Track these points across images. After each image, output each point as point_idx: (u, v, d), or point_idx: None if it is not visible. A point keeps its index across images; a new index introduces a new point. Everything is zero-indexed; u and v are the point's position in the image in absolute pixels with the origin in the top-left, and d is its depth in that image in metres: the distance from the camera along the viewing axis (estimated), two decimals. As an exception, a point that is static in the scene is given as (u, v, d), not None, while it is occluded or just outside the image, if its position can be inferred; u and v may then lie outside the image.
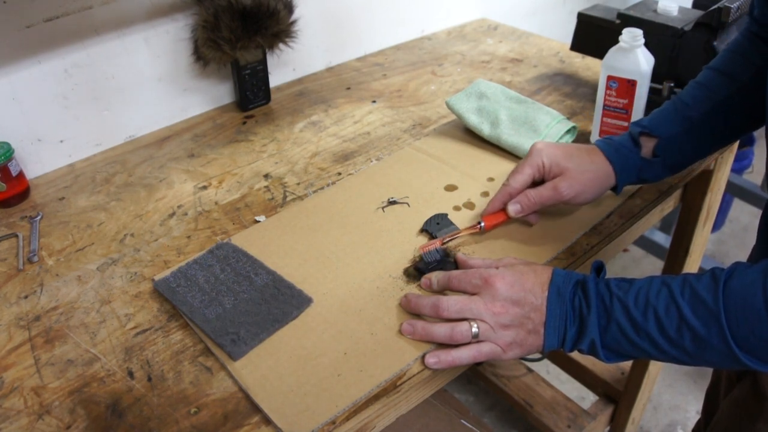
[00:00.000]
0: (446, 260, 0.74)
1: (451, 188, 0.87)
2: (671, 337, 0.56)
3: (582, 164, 0.74)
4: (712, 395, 0.90)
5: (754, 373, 0.73)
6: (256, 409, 0.60)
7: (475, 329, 0.61)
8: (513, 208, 0.75)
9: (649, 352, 0.58)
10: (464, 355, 0.62)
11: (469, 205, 0.84)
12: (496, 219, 0.78)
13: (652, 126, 0.76)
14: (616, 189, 0.78)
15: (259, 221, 0.83)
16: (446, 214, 0.81)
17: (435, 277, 0.69)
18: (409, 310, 0.67)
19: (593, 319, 0.59)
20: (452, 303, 0.63)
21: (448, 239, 0.76)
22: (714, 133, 0.77)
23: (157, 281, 0.73)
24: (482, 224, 0.77)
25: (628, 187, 0.82)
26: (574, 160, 0.74)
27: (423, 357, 0.63)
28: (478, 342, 0.62)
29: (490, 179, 0.89)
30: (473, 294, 0.64)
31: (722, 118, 0.75)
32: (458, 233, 0.77)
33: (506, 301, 0.62)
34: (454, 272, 0.67)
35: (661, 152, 0.76)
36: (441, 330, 0.63)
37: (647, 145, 0.76)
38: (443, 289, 0.68)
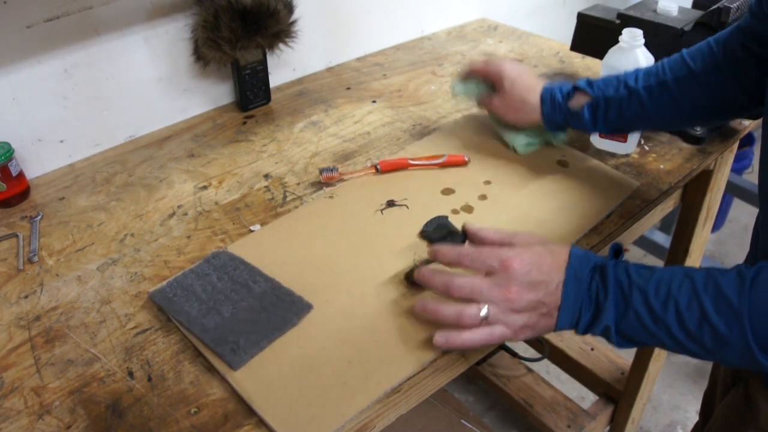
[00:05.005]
0: (455, 233, 0.71)
1: (447, 192, 0.87)
2: (691, 331, 0.55)
3: (519, 90, 0.87)
4: (709, 398, 0.90)
5: (746, 379, 0.73)
6: (256, 409, 0.60)
7: (484, 312, 0.60)
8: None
9: (665, 343, 0.57)
10: (475, 338, 0.60)
11: (467, 209, 0.84)
12: (393, 164, 0.90)
13: (590, 86, 0.83)
14: (547, 127, 0.89)
15: (253, 230, 0.83)
16: (446, 216, 0.81)
17: (444, 250, 0.65)
18: (422, 283, 0.65)
19: (610, 305, 0.57)
20: (464, 284, 0.61)
21: (337, 176, 0.88)
22: (660, 108, 0.80)
23: (152, 292, 0.72)
24: (378, 166, 0.90)
25: (627, 181, 0.82)
26: (516, 86, 0.87)
27: (430, 363, 0.63)
28: (489, 325, 0.60)
29: (487, 182, 0.89)
30: (487, 273, 0.62)
31: (667, 97, 0.79)
32: (353, 173, 0.89)
33: (521, 286, 0.60)
34: (466, 250, 0.63)
35: (591, 109, 0.83)
36: (449, 311, 0.61)
37: (579, 100, 0.83)
38: (453, 265, 0.65)
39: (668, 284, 0.56)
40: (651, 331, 0.57)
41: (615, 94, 0.81)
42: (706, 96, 0.78)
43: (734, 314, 0.53)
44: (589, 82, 0.83)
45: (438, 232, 0.71)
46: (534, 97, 0.86)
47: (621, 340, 0.59)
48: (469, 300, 0.61)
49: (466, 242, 0.70)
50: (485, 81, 0.93)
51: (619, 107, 0.81)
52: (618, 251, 0.63)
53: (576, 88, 0.84)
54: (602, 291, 0.59)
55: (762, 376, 0.69)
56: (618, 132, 0.89)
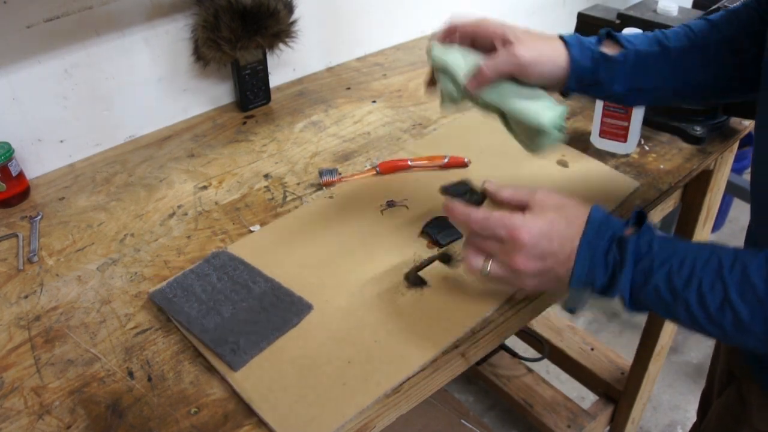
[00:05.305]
0: (474, 191, 0.70)
1: (448, 191, 0.87)
2: (711, 313, 0.53)
3: (538, 42, 0.71)
4: (706, 397, 0.90)
5: (740, 379, 0.73)
6: (256, 409, 0.60)
7: (486, 271, 0.61)
8: (471, 84, 0.69)
9: (681, 320, 0.55)
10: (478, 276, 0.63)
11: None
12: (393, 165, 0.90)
13: (621, 36, 0.73)
14: (569, 82, 0.72)
15: (253, 230, 0.83)
16: (446, 217, 0.81)
17: (457, 209, 0.64)
18: (445, 210, 0.66)
19: (626, 275, 0.56)
20: (477, 241, 0.63)
21: (336, 180, 0.88)
22: (689, 72, 0.73)
23: (152, 292, 0.72)
24: (378, 168, 0.90)
25: (624, 182, 0.81)
26: (530, 38, 0.71)
27: (430, 363, 0.63)
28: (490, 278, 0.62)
29: (487, 182, 0.89)
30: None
31: (699, 60, 0.72)
32: (353, 176, 0.89)
33: (527, 257, 0.59)
34: (475, 215, 0.62)
35: (624, 59, 0.71)
36: (466, 246, 0.64)
37: (611, 48, 0.72)
38: (462, 226, 0.65)
39: (693, 262, 0.54)
40: (669, 307, 0.55)
41: (648, 48, 0.72)
42: (740, 60, 0.71)
43: (759, 301, 0.51)
44: (615, 34, 0.73)
45: (458, 188, 0.71)
46: (555, 40, 0.72)
47: (636, 308, 0.58)
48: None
49: (486, 201, 0.69)
50: (474, 48, 0.73)
51: (646, 65, 0.72)
52: (641, 217, 0.60)
53: (609, 35, 0.73)
54: (619, 262, 0.57)
55: (755, 377, 0.69)
56: (630, 99, 0.76)
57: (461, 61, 0.70)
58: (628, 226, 0.59)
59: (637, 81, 0.73)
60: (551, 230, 0.59)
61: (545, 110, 0.70)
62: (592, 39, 0.73)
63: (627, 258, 0.56)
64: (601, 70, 0.71)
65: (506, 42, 0.70)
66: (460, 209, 0.63)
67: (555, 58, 0.70)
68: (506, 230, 0.59)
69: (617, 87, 0.73)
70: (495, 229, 0.60)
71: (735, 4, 0.76)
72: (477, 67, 0.69)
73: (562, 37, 0.72)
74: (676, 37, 0.73)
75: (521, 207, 0.62)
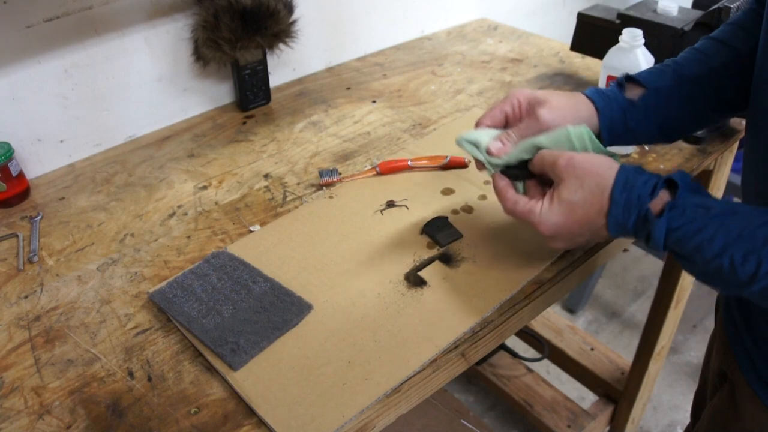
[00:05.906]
0: (448, 226, 0.78)
1: (447, 192, 0.87)
2: (741, 281, 0.53)
3: (562, 98, 0.70)
4: (699, 399, 0.90)
5: (732, 382, 0.73)
6: (256, 409, 0.60)
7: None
8: (494, 146, 0.68)
9: (707, 281, 0.58)
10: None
11: (467, 209, 0.84)
12: (393, 165, 0.91)
13: (640, 76, 0.73)
14: (602, 134, 0.71)
15: (253, 230, 0.83)
16: (446, 217, 0.81)
17: (499, 186, 0.67)
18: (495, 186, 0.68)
19: (658, 243, 0.58)
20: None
21: (336, 180, 0.89)
22: (706, 97, 0.73)
23: (152, 293, 0.72)
24: (378, 168, 0.90)
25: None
26: (554, 96, 0.70)
27: (430, 363, 0.63)
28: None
29: (487, 182, 0.89)
30: None
31: (716, 84, 0.72)
32: (353, 176, 0.90)
33: (556, 241, 0.64)
34: (505, 205, 0.66)
35: (647, 100, 0.72)
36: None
37: (633, 91, 0.72)
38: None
39: (725, 237, 0.54)
40: (699, 270, 0.57)
41: (667, 83, 0.72)
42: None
43: None
44: (632, 75, 0.73)
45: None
46: (578, 96, 0.72)
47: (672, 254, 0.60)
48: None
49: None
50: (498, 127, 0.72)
51: (669, 100, 0.72)
52: (672, 185, 0.58)
53: (629, 79, 0.73)
54: (650, 236, 0.58)
55: (747, 378, 0.69)
56: (661, 136, 0.75)
57: (484, 135, 0.70)
58: (656, 193, 0.57)
59: (663, 117, 0.73)
60: (566, 222, 0.62)
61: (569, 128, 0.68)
62: (613, 88, 0.73)
63: (656, 234, 0.57)
64: (630, 119, 0.71)
65: (531, 106, 0.69)
66: (502, 186, 0.67)
67: (579, 111, 0.70)
68: (529, 222, 0.64)
69: (648, 129, 0.73)
70: (521, 218, 0.65)
71: (736, 14, 0.75)
72: (500, 133, 0.69)
73: (584, 94, 0.72)
74: (690, 65, 0.73)
75: (536, 206, 0.64)
